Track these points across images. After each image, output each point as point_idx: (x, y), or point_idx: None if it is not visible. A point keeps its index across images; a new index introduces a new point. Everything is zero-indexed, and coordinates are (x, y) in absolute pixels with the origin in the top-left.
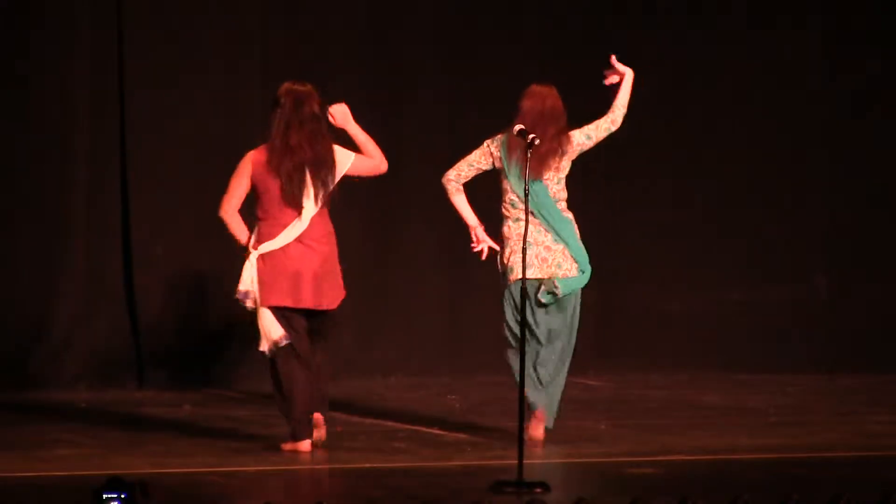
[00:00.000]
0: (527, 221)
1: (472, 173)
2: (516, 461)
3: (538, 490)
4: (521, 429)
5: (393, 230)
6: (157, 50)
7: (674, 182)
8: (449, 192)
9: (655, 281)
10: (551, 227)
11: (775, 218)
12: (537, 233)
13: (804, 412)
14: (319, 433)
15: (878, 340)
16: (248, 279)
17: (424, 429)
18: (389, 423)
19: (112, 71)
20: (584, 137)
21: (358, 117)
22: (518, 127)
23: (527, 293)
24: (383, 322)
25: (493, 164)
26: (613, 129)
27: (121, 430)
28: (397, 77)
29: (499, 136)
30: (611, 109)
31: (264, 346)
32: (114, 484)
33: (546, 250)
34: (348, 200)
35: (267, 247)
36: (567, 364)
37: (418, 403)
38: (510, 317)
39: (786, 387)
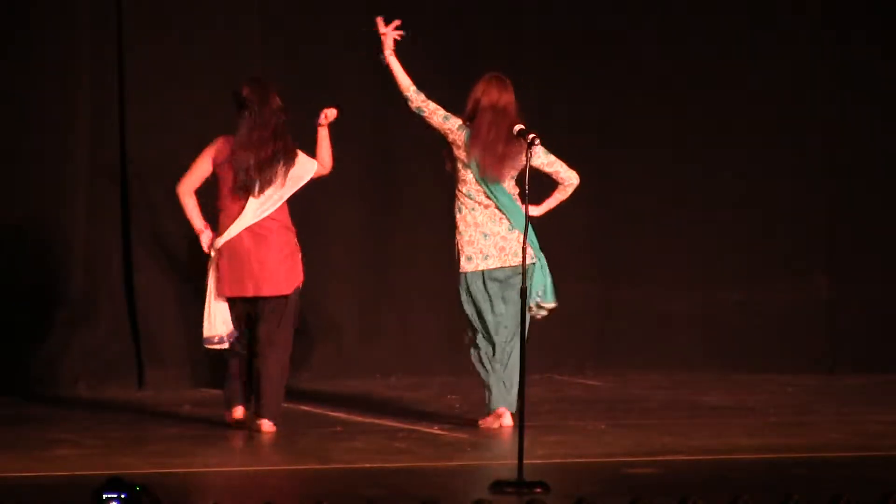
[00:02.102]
0: (527, 221)
1: (433, 119)
2: (516, 461)
3: (538, 490)
4: (522, 428)
5: (393, 230)
6: (157, 49)
7: (674, 182)
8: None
9: (655, 281)
10: (506, 216)
11: (775, 218)
12: (492, 222)
13: (804, 412)
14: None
15: (878, 340)
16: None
17: (424, 429)
18: (389, 423)
19: (112, 71)
20: (542, 154)
21: (357, 117)
22: (518, 127)
23: (525, 293)
24: (383, 322)
25: (454, 141)
26: (569, 183)
27: (121, 430)
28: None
29: (466, 123)
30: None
31: (214, 332)
32: (114, 484)
33: (503, 240)
34: (348, 200)
35: (219, 241)
36: (518, 349)
37: (418, 403)
38: (470, 309)
39: (786, 387)
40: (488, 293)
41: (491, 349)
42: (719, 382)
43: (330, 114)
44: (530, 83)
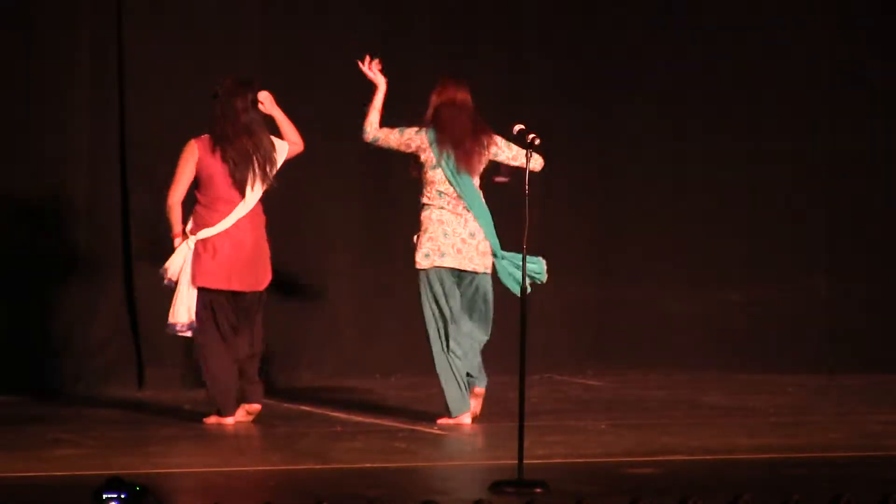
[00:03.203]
0: (526, 221)
1: (390, 140)
2: (516, 461)
3: (538, 490)
4: (521, 429)
5: (393, 230)
6: (157, 50)
7: (674, 182)
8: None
9: (655, 281)
10: (471, 220)
11: (775, 218)
12: (456, 223)
13: (804, 412)
14: (249, 416)
15: (878, 340)
16: (179, 261)
17: (424, 429)
18: (389, 423)
19: (112, 71)
20: (505, 147)
21: (358, 117)
22: (518, 127)
23: (525, 293)
24: (383, 322)
25: (416, 151)
26: (534, 166)
27: (121, 430)
28: (397, 78)
29: (422, 127)
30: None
31: (177, 319)
32: (114, 484)
33: (462, 242)
34: (348, 200)
35: (205, 233)
36: (484, 338)
37: (418, 403)
38: (431, 306)
39: (786, 387)
40: (443, 289)
41: (447, 343)
42: (719, 382)
43: (265, 99)
44: (530, 83)
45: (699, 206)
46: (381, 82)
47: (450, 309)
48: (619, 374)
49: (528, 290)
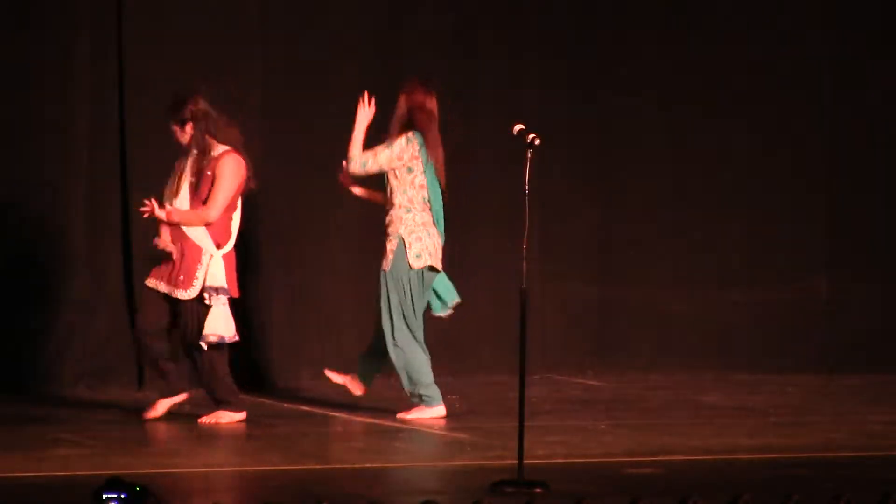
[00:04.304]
0: (526, 221)
1: (381, 164)
2: (516, 461)
3: (538, 490)
4: (521, 429)
5: None
6: (157, 50)
7: (674, 182)
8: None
9: (655, 281)
10: (438, 222)
11: (775, 218)
12: (431, 225)
13: (804, 412)
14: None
15: (878, 340)
16: (222, 276)
17: (424, 429)
18: (389, 423)
19: (112, 71)
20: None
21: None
22: (518, 127)
23: (526, 294)
24: None
25: (412, 155)
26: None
27: (121, 430)
28: (397, 78)
29: (410, 133)
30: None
31: (230, 332)
32: (114, 484)
33: (438, 242)
34: (347, 199)
35: (228, 246)
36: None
37: None
38: (408, 301)
39: (786, 387)
40: (422, 287)
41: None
42: (719, 382)
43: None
44: (530, 83)
45: (699, 206)
46: (369, 116)
47: (421, 307)
48: (619, 374)
49: (446, 309)
